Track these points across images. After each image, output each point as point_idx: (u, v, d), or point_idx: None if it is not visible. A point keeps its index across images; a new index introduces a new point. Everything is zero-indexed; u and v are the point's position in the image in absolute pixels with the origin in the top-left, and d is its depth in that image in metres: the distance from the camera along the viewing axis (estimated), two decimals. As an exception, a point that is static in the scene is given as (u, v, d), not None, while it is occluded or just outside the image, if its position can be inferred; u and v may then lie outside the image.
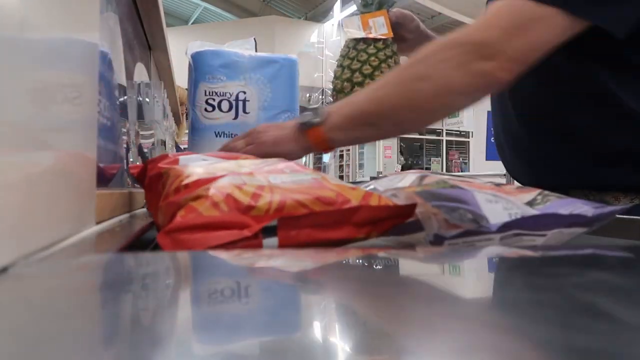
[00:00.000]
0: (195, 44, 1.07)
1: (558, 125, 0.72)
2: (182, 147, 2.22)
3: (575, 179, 0.72)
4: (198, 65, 1.05)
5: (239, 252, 0.31)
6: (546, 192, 0.42)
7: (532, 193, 0.41)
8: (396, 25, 1.01)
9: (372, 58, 1.02)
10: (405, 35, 1.03)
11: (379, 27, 1.03)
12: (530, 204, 0.39)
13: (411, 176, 0.44)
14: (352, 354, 0.14)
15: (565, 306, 0.18)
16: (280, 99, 1.05)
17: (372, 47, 1.02)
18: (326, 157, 3.56)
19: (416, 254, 0.35)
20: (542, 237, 0.36)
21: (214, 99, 1.03)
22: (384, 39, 1.02)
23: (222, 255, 0.30)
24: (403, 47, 1.06)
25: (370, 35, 1.02)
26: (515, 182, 0.84)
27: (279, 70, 1.03)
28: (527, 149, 0.78)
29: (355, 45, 1.04)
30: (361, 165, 9.01)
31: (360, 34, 1.03)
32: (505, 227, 0.34)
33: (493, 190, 0.39)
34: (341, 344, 0.14)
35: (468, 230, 0.34)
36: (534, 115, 0.75)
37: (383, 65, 1.01)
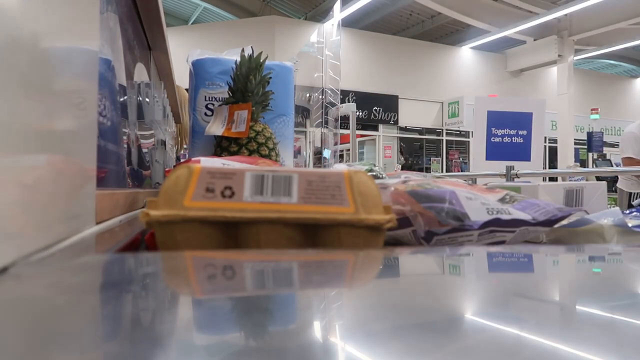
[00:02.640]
0: (196, 52, 1.12)
1: None
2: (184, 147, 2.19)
3: None
4: (198, 72, 1.10)
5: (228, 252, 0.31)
6: (512, 193, 0.47)
7: (500, 194, 0.47)
8: None
9: (243, 149, 0.95)
10: None
11: (240, 122, 0.94)
12: (501, 202, 0.45)
13: (394, 179, 0.50)
14: (350, 353, 0.14)
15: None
16: (276, 104, 1.08)
17: (233, 144, 0.96)
18: (326, 153, 3.50)
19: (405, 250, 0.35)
20: (511, 234, 0.43)
21: (213, 104, 1.08)
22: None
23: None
24: None
25: (227, 133, 0.95)
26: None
27: (274, 77, 1.06)
28: None
29: (220, 143, 0.98)
30: (361, 165, 8.97)
31: (219, 131, 0.95)
32: (484, 225, 0.40)
33: (468, 189, 0.44)
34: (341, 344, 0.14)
35: (454, 227, 0.40)
36: None
37: (261, 149, 0.96)
